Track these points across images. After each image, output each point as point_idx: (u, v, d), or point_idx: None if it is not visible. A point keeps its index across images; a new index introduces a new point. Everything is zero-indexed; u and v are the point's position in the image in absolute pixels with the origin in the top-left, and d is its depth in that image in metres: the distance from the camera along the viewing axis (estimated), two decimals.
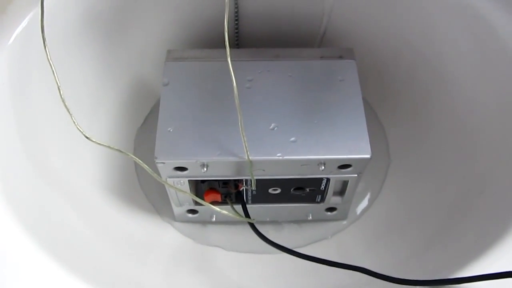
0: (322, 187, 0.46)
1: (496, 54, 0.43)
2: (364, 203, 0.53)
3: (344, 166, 0.42)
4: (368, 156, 0.41)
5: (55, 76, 0.37)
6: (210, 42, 0.53)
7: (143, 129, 0.55)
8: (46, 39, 0.40)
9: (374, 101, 0.57)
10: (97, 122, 0.51)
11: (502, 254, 0.35)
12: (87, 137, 0.37)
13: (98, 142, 0.38)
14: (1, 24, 0.40)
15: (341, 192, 0.47)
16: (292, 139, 0.42)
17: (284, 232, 0.51)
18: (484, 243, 0.36)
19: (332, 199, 0.48)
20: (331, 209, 0.50)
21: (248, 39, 0.54)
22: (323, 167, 0.42)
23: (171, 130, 0.42)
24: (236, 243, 0.51)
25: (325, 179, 0.45)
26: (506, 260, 0.34)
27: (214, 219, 0.50)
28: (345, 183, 0.46)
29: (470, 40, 0.45)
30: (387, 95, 0.56)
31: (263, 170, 0.43)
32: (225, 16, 0.37)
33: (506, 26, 0.43)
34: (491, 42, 0.44)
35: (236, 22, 0.51)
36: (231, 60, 0.39)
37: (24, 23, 0.41)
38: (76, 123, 0.37)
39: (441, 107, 0.50)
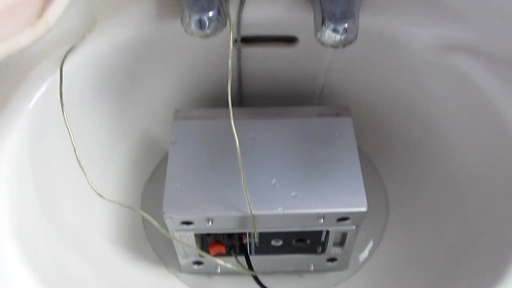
0: (323, 238, 0.48)
1: (483, 114, 0.46)
2: (365, 253, 0.54)
3: (343, 219, 0.45)
4: (364, 209, 0.43)
5: (71, 139, 0.40)
6: (216, 101, 0.56)
7: (151, 183, 0.58)
8: (63, 102, 0.43)
9: (371, 153, 0.60)
10: (108, 177, 0.54)
11: None
12: (100, 195, 0.40)
13: (111, 199, 0.40)
14: (23, 89, 0.44)
15: (341, 243, 0.49)
16: (293, 194, 0.44)
17: (287, 283, 0.53)
18: None
19: (332, 250, 0.50)
20: (332, 259, 0.52)
21: (251, 97, 0.57)
22: (322, 220, 0.44)
23: (178, 186, 0.45)
24: None
25: (325, 231, 0.47)
26: None
27: (219, 270, 0.52)
28: (344, 235, 0.48)
29: (458, 101, 0.48)
30: (383, 148, 0.59)
31: (266, 224, 0.45)
32: (228, 82, 0.41)
33: (493, 88, 0.46)
34: (478, 102, 0.46)
35: (239, 82, 0.55)
36: (234, 119, 0.42)
37: (43, 88, 0.44)
38: (90, 182, 0.39)
39: (434, 161, 0.53)
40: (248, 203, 0.43)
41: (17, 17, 0.34)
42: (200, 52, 0.52)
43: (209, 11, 0.40)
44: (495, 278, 0.38)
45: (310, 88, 0.56)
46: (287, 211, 0.44)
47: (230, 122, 0.42)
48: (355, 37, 0.41)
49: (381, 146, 0.59)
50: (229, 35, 0.43)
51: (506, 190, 0.44)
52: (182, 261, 0.51)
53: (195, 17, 0.40)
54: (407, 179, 0.56)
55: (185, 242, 0.46)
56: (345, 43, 0.41)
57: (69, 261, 0.44)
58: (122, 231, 0.52)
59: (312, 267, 0.52)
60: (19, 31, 0.34)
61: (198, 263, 0.51)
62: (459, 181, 0.49)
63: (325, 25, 0.40)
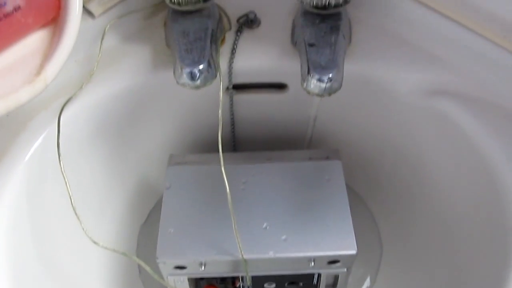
0: (315, 281, 0.48)
1: (468, 156, 0.47)
2: None
3: (333, 261, 0.45)
4: (354, 252, 0.44)
5: (67, 188, 0.41)
6: (210, 145, 0.58)
7: (146, 226, 0.59)
8: (61, 151, 0.45)
9: (364, 193, 0.61)
10: (104, 221, 0.55)
11: None
12: (94, 242, 0.41)
13: (105, 246, 0.41)
14: (21, 139, 0.45)
15: (333, 285, 0.50)
16: (283, 237, 0.45)
17: None
18: None
19: None
20: None
21: (244, 142, 0.59)
22: (313, 263, 0.45)
23: (172, 231, 0.46)
24: None
25: (317, 274, 0.47)
26: None
27: None
28: (336, 277, 0.48)
29: (444, 143, 0.50)
30: (375, 189, 0.60)
31: (258, 267, 0.46)
32: (219, 130, 0.42)
33: (477, 130, 0.47)
34: (463, 145, 0.48)
35: (232, 127, 0.57)
36: (226, 164, 0.43)
37: (41, 137, 0.46)
38: (85, 230, 0.41)
39: (423, 202, 0.54)
40: (240, 247, 0.43)
41: (16, 75, 0.36)
42: (193, 100, 0.54)
43: (200, 64, 0.42)
44: None
45: (300, 132, 0.57)
46: (278, 255, 0.44)
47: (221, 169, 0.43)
48: (340, 86, 0.43)
49: (373, 187, 0.60)
50: (219, 83, 0.45)
51: (492, 229, 0.44)
52: None
53: (186, 69, 0.42)
54: (399, 220, 0.57)
55: (179, 287, 0.47)
56: (330, 92, 0.43)
57: None
58: (118, 277, 0.53)
59: None
60: (18, 88, 0.36)
61: None
62: (447, 222, 0.50)
63: (310, 75, 0.42)
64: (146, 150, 0.57)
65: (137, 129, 0.55)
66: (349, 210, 0.47)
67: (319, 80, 0.42)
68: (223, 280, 0.48)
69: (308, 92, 0.43)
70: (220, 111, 0.43)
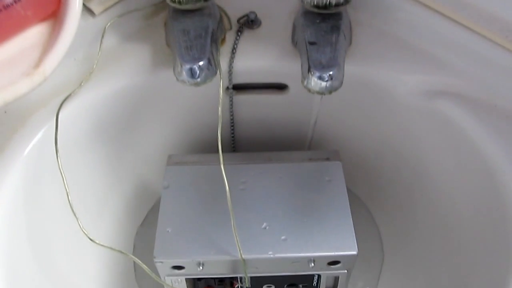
0: (315, 283, 0.48)
1: (469, 157, 0.47)
2: None
3: (333, 262, 0.45)
4: (354, 252, 0.44)
5: (64, 183, 0.40)
6: (209, 146, 0.57)
7: (143, 227, 0.58)
8: (59, 149, 0.44)
9: (364, 196, 0.61)
10: (102, 222, 0.54)
11: None
12: (91, 239, 0.40)
13: (101, 244, 0.40)
14: (20, 136, 0.45)
15: (333, 287, 0.49)
16: (283, 237, 0.45)
17: None
18: None
19: None
20: None
21: (244, 143, 0.58)
22: (313, 264, 0.44)
23: (169, 231, 0.45)
24: None
25: (317, 275, 0.47)
26: None
27: None
28: (336, 279, 0.48)
29: (445, 145, 0.49)
30: (375, 192, 0.60)
31: (256, 268, 0.45)
32: (218, 129, 0.42)
33: (477, 132, 0.47)
34: (464, 146, 0.47)
35: (232, 128, 0.56)
36: (226, 164, 0.43)
37: (40, 135, 0.46)
38: (81, 226, 0.40)
39: (424, 205, 0.53)
40: (239, 247, 0.43)
41: (15, 67, 0.36)
42: (193, 99, 0.54)
43: (200, 61, 0.42)
44: None
45: (301, 134, 0.57)
46: (277, 255, 0.44)
47: (221, 167, 0.43)
48: (340, 84, 0.43)
49: (373, 190, 0.60)
50: (219, 82, 0.45)
51: (494, 231, 0.44)
52: None
53: (186, 66, 0.42)
54: (400, 222, 0.57)
55: (176, 287, 0.46)
56: (330, 90, 0.42)
57: None
58: (113, 279, 0.52)
59: None
60: (17, 81, 0.36)
61: None
62: (449, 224, 0.50)
63: (311, 73, 0.42)
64: (145, 150, 0.57)
65: (136, 129, 0.55)
66: (350, 211, 0.46)
67: (320, 78, 0.42)
68: (221, 281, 0.47)
69: (309, 90, 0.43)
70: (220, 108, 0.42)
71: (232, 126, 0.56)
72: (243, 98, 0.54)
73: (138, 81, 0.50)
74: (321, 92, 0.43)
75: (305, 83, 0.43)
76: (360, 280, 0.55)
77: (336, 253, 0.44)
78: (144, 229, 0.58)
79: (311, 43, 0.44)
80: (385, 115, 0.53)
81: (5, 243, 0.41)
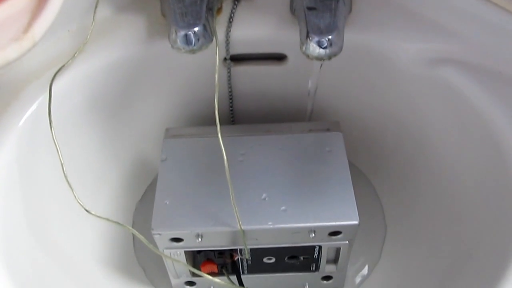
0: (316, 255, 0.47)
1: (473, 125, 0.46)
2: (364, 271, 0.53)
3: (334, 233, 0.44)
4: (356, 222, 0.43)
5: (59, 154, 0.40)
6: (207, 119, 0.56)
7: (142, 203, 0.58)
8: (53, 121, 0.44)
9: (366, 169, 0.60)
10: (100, 198, 0.54)
11: None
12: (87, 210, 0.40)
13: (97, 215, 0.40)
14: (13, 108, 0.44)
15: (334, 260, 0.48)
16: (283, 208, 0.44)
17: None
18: None
19: (326, 267, 0.49)
20: (327, 277, 0.50)
21: (243, 115, 0.57)
22: (313, 235, 0.43)
23: (167, 203, 0.45)
24: None
25: (318, 247, 0.46)
26: None
27: None
28: (337, 251, 0.47)
29: (448, 113, 0.48)
30: (378, 165, 0.59)
31: (256, 239, 0.44)
32: (215, 95, 0.41)
33: (481, 99, 0.46)
34: (467, 114, 0.46)
35: (230, 101, 0.55)
36: (225, 136, 0.42)
37: (34, 107, 0.45)
38: (76, 197, 0.39)
39: (427, 176, 0.52)
40: (237, 217, 0.42)
41: (3, 32, 0.35)
42: (190, 71, 0.53)
43: (195, 26, 0.41)
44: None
45: (301, 105, 0.56)
46: (277, 226, 0.43)
47: (218, 137, 0.42)
48: (340, 49, 0.42)
49: (375, 162, 0.59)
50: (215, 50, 0.44)
51: (499, 200, 0.43)
52: (174, 281, 0.50)
53: (181, 32, 0.41)
54: (402, 194, 0.56)
55: (176, 262, 0.45)
56: (330, 55, 0.41)
57: (56, 281, 0.44)
58: (112, 252, 0.52)
59: (307, 286, 0.51)
60: (5, 46, 0.35)
61: (191, 283, 0.50)
62: (452, 193, 0.49)
63: (309, 38, 0.41)
64: (143, 125, 0.56)
65: (133, 103, 0.54)
66: (351, 181, 0.45)
67: (319, 43, 0.41)
68: (221, 254, 0.47)
69: (308, 56, 0.42)
70: (216, 76, 0.41)
71: (230, 99, 0.55)
72: (241, 70, 0.53)
73: (133, 52, 0.49)
74: (320, 58, 0.41)
75: (304, 49, 0.42)
76: (362, 254, 0.54)
77: (337, 223, 0.43)
78: (143, 205, 0.57)
79: (310, 9, 0.43)
80: (387, 85, 0.52)
81: (0, 216, 0.40)
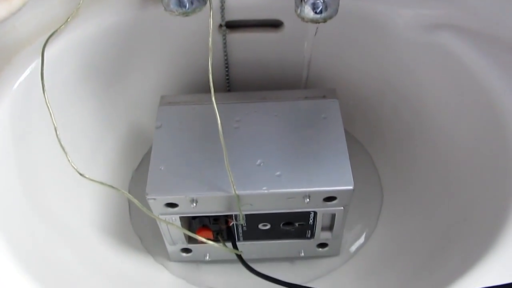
0: (311, 221, 0.47)
1: (470, 92, 0.46)
2: (361, 239, 0.54)
3: (329, 198, 0.44)
4: (351, 187, 0.43)
5: (52, 117, 0.39)
6: (203, 87, 0.56)
7: (138, 172, 0.57)
8: (47, 88, 0.43)
9: (362, 138, 0.60)
10: (95, 167, 0.53)
11: (484, 272, 0.35)
12: (80, 174, 0.40)
13: (91, 178, 0.40)
14: (6, 73, 0.44)
15: (330, 227, 0.48)
16: (278, 173, 0.44)
17: (278, 270, 0.52)
18: (468, 265, 0.37)
19: (321, 234, 0.49)
20: (322, 245, 0.51)
21: (239, 84, 0.57)
22: (308, 200, 0.43)
23: (162, 169, 0.45)
24: (230, 284, 0.51)
25: (312, 213, 0.46)
26: (488, 277, 0.35)
27: (208, 257, 0.51)
28: (333, 217, 0.47)
29: (445, 80, 0.48)
30: (374, 133, 0.58)
31: (251, 205, 0.44)
32: (209, 60, 0.40)
33: (479, 64, 0.45)
34: (465, 80, 0.46)
35: (226, 69, 0.55)
36: (220, 103, 0.42)
37: (27, 72, 0.44)
38: (70, 161, 0.39)
39: (424, 143, 0.52)
40: (232, 182, 0.42)
41: None
42: (186, 38, 0.52)
43: None
44: (484, 252, 0.38)
45: (297, 73, 0.55)
46: (272, 190, 0.43)
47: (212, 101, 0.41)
48: (335, 11, 0.41)
49: (372, 131, 0.58)
50: (210, 13, 0.43)
51: (494, 164, 0.43)
52: (170, 248, 0.50)
53: None
54: (399, 162, 0.55)
55: (171, 228, 0.46)
56: (325, 18, 0.41)
57: (51, 246, 0.44)
58: (108, 218, 0.52)
59: (303, 253, 0.51)
60: None
61: (186, 250, 0.50)
62: (448, 160, 0.49)
63: (304, 0, 0.40)
64: (138, 93, 0.55)
65: (127, 71, 0.53)
66: (346, 147, 0.45)
67: (314, 4, 0.40)
68: (216, 220, 0.47)
69: (302, 19, 0.41)
70: (210, 39, 0.41)
71: (226, 66, 0.55)
72: (237, 37, 0.53)
73: (127, 18, 0.48)
74: (315, 21, 0.41)
75: (298, 11, 0.41)
76: (359, 222, 0.54)
77: (332, 188, 0.43)
78: (139, 174, 0.57)
79: None
80: (383, 52, 0.51)
81: None
